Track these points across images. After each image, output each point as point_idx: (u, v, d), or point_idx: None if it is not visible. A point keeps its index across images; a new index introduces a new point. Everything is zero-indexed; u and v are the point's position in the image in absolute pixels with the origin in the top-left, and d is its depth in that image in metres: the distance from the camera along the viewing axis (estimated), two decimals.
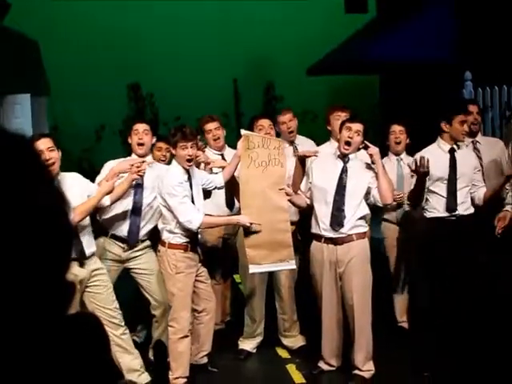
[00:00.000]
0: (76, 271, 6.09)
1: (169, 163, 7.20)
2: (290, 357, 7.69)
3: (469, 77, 11.99)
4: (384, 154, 7.69)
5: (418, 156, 6.83)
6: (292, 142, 8.11)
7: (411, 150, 7.72)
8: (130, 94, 19.09)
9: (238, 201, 7.03)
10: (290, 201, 6.65)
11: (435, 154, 6.85)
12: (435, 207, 6.95)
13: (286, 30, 19.05)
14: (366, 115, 16.66)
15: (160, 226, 6.76)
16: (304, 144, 8.20)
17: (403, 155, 7.81)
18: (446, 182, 6.88)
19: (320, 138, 10.76)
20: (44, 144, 6.01)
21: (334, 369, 7.03)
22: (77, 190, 6.17)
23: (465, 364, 6.61)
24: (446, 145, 6.93)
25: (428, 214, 7.02)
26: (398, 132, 7.85)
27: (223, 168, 6.95)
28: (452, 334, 6.77)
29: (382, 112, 16.90)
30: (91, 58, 18.30)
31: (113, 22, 18.55)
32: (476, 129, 7.68)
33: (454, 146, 6.97)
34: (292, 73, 18.11)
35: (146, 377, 6.65)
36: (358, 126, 6.41)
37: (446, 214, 6.91)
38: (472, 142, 7.63)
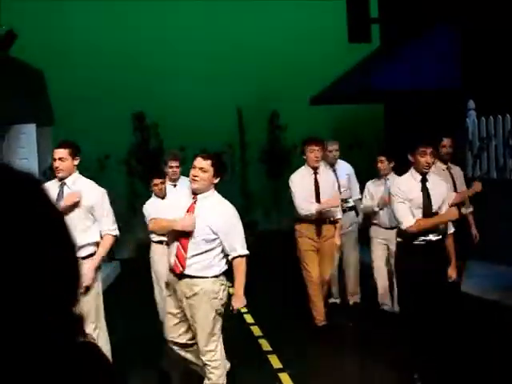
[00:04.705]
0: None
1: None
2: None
3: (472, 106, 12.03)
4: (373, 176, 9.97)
5: (395, 183, 7.44)
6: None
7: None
8: (134, 123, 19.16)
9: None
10: None
11: (409, 183, 7.16)
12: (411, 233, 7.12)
13: (290, 60, 19.15)
14: (370, 143, 16.75)
15: None
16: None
17: (390, 175, 9.66)
18: (421, 209, 7.09)
19: None
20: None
21: None
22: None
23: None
24: (417, 174, 7.17)
25: (398, 239, 7.25)
26: (384, 160, 9.74)
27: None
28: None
29: (387, 140, 16.94)
30: (96, 87, 18.40)
31: (119, 53, 18.68)
32: (448, 158, 8.89)
33: (430, 173, 7.25)
34: (296, 102, 18.17)
35: None
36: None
37: (420, 239, 7.07)
38: (447, 167, 8.86)
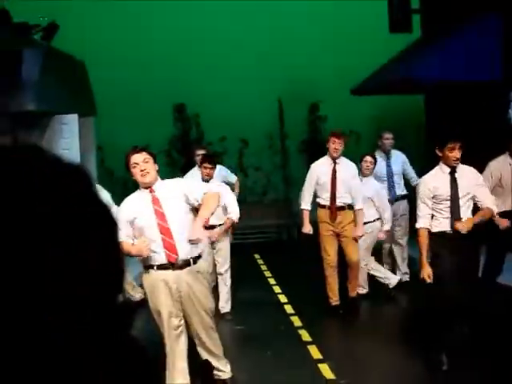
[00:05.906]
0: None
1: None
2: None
3: None
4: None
5: (423, 181, 7.47)
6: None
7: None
8: (175, 114, 19.22)
9: None
10: None
11: (438, 177, 7.28)
12: (441, 223, 7.29)
13: (331, 50, 19.07)
14: (410, 135, 16.64)
15: None
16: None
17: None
18: (449, 201, 7.19)
19: None
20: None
21: None
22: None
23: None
24: (445, 167, 7.25)
25: (434, 229, 7.33)
26: (368, 161, 10.32)
27: None
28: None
29: (428, 132, 16.82)
30: (138, 79, 18.47)
31: (159, 43, 18.74)
32: None
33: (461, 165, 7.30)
34: (336, 93, 18.10)
35: None
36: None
37: (449, 229, 7.25)
38: None
